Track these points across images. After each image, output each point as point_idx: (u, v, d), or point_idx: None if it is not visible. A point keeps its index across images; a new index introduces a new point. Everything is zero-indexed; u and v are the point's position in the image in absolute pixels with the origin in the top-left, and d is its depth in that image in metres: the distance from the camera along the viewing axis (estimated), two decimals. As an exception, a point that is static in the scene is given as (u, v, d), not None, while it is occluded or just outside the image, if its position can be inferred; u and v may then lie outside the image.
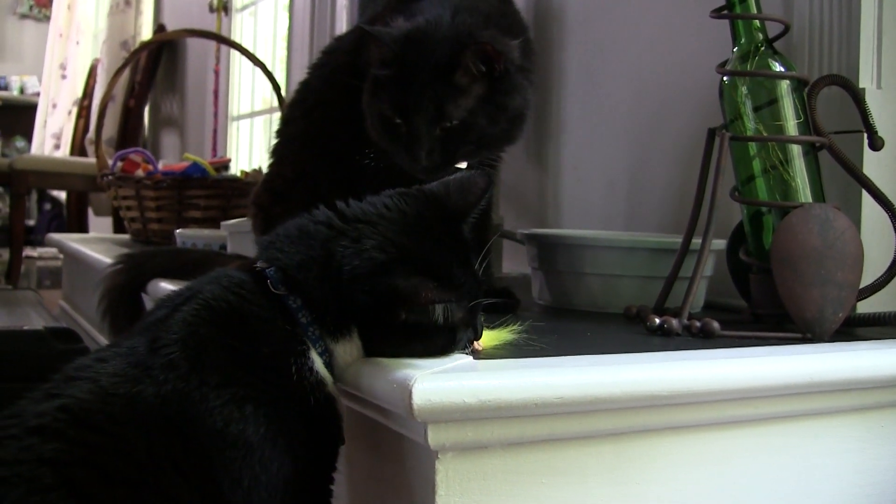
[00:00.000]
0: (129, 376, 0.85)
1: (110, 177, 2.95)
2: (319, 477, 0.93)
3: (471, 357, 0.97)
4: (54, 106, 7.60)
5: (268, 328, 0.91)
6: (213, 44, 4.85)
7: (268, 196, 1.53)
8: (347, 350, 0.94)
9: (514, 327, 1.14)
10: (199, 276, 0.98)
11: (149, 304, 1.71)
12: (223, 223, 2.26)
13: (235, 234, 2.08)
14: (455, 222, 1.01)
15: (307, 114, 1.51)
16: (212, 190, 2.85)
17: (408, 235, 0.95)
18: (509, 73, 1.29)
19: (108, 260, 1.97)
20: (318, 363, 0.92)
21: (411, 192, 1.01)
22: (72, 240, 3.11)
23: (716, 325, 1.23)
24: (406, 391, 0.84)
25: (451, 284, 0.95)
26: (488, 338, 1.05)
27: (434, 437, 0.87)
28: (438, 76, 1.25)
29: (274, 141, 1.59)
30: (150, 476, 0.80)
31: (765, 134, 1.32)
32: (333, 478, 0.95)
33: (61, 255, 3.54)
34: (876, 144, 1.33)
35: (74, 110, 6.97)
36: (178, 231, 2.46)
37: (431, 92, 1.25)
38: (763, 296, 1.33)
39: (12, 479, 0.76)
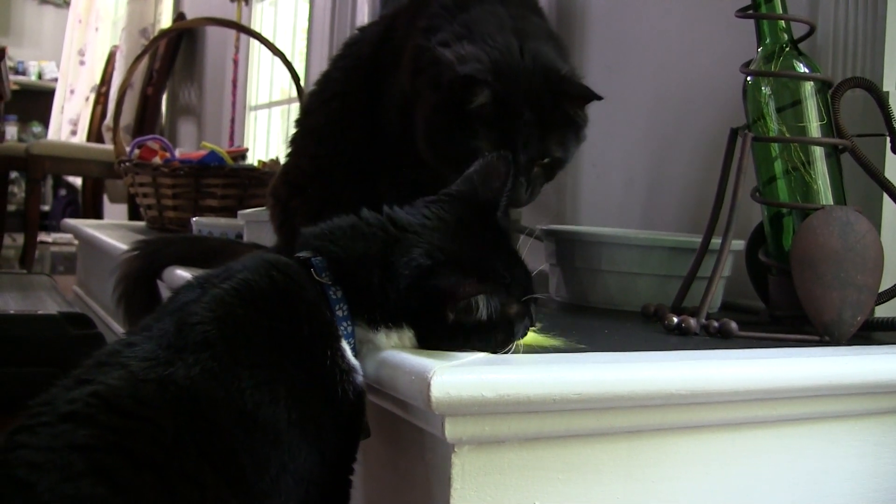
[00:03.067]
0: (160, 359, 0.84)
1: (127, 163, 2.95)
2: (343, 468, 0.93)
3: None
4: (72, 92, 7.63)
5: (308, 313, 0.92)
6: (232, 33, 4.86)
7: (285, 188, 1.53)
8: (385, 341, 0.95)
9: (553, 342, 1.13)
10: (227, 262, 0.97)
11: (164, 291, 1.72)
12: (240, 212, 2.27)
13: (252, 224, 2.08)
14: (489, 214, 1.02)
15: (326, 105, 1.51)
16: (229, 179, 2.85)
17: (449, 240, 0.96)
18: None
19: (123, 246, 1.97)
20: (349, 353, 0.93)
21: (445, 198, 1.02)
22: (87, 226, 3.12)
23: (734, 325, 1.22)
24: (425, 384, 0.84)
25: (494, 278, 0.95)
26: (532, 340, 1.04)
27: (451, 430, 0.87)
28: (539, 119, 1.26)
29: (293, 131, 1.59)
30: (178, 461, 0.80)
31: (787, 135, 1.32)
32: (354, 469, 0.95)
33: (76, 241, 3.55)
34: (898, 148, 1.32)
35: (92, 97, 6.99)
36: (194, 219, 2.47)
37: (535, 132, 1.26)
38: (782, 297, 1.33)
39: (45, 466, 0.76)
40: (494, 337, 0.96)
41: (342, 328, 0.93)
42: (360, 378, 0.93)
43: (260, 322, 0.89)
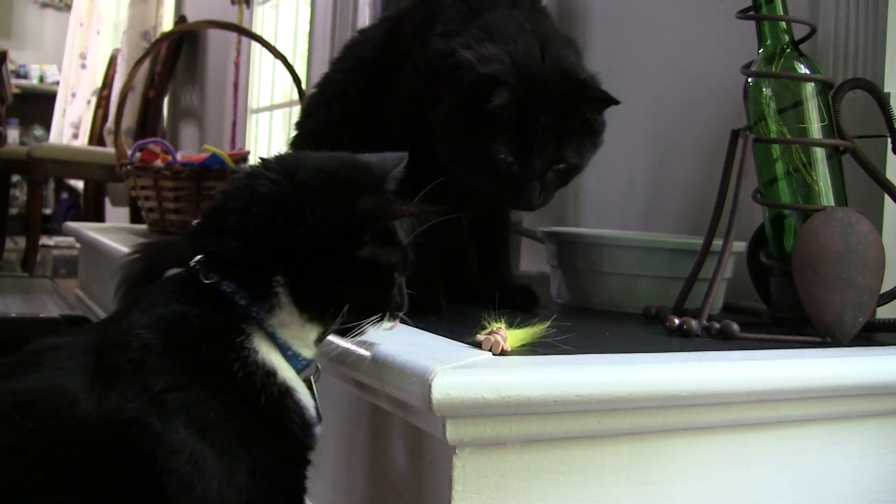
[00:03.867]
0: (76, 374, 0.83)
1: (129, 166, 2.95)
2: (284, 480, 0.89)
3: (489, 353, 0.97)
4: (73, 95, 7.63)
5: (203, 325, 0.87)
6: (233, 36, 4.86)
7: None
8: (285, 321, 0.89)
9: (541, 326, 1.12)
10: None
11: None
12: (241, 215, 2.26)
13: (254, 226, 2.07)
14: (379, 183, 0.99)
15: (326, 107, 1.51)
16: (230, 182, 2.85)
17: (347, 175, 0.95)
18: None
19: (124, 249, 1.97)
20: (263, 352, 0.88)
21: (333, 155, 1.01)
22: (89, 228, 3.11)
23: (735, 326, 1.22)
24: (426, 385, 0.84)
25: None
26: (515, 338, 1.04)
27: (452, 432, 0.87)
28: (557, 123, 1.25)
29: (293, 133, 1.59)
30: (88, 476, 0.79)
31: (788, 136, 1.32)
32: (304, 477, 0.91)
33: (77, 244, 3.55)
34: (900, 149, 1.32)
35: (94, 100, 6.99)
36: (195, 222, 2.46)
37: (553, 137, 1.25)
38: (783, 299, 1.33)
39: None
40: (394, 293, 0.93)
41: (254, 315, 0.88)
42: (281, 379, 0.88)
43: (165, 345, 0.85)
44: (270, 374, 0.87)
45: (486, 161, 1.26)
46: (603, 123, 1.32)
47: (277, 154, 0.97)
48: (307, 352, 0.92)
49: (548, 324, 1.06)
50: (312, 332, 0.91)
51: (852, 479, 1.13)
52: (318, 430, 0.92)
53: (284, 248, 0.88)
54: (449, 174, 1.37)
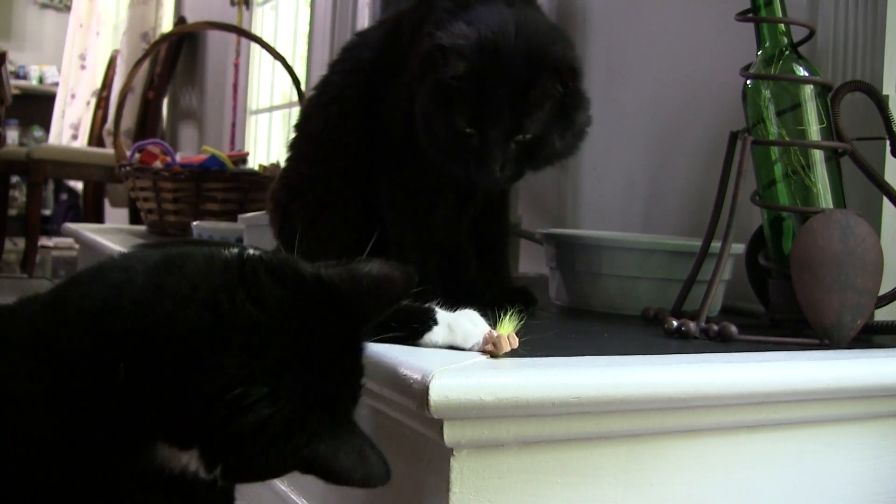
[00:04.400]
0: None
1: (128, 167, 2.95)
2: None
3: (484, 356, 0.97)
4: (73, 96, 7.64)
5: None
6: (233, 37, 4.87)
7: (285, 192, 1.53)
8: None
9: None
10: None
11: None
12: (240, 216, 2.27)
13: (252, 228, 2.08)
14: (355, 328, 0.85)
15: (325, 109, 1.51)
16: (230, 183, 2.85)
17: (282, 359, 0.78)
18: (578, 89, 1.30)
19: (123, 250, 1.97)
20: None
21: (310, 287, 0.82)
22: (88, 230, 3.11)
23: (733, 328, 1.22)
24: (423, 387, 0.84)
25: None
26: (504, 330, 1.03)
27: (450, 434, 0.87)
28: (515, 91, 1.25)
29: (292, 135, 1.59)
30: None
31: (787, 138, 1.31)
32: None
33: (77, 245, 3.55)
34: (898, 151, 1.32)
35: (93, 101, 7.00)
36: (195, 223, 2.47)
37: (509, 106, 1.24)
38: (782, 301, 1.33)
39: None
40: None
41: None
42: None
43: None
44: None
45: (452, 138, 1.26)
46: (578, 98, 1.30)
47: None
48: None
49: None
50: None
51: (851, 481, 1.13)
52: None
53: None
54: (447, 175, 1.38)
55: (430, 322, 1.00)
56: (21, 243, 6.23)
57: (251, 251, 0.83)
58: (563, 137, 1.29)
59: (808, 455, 1.10)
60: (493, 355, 0.97)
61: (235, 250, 0.83)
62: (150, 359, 0.73)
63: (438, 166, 1.33)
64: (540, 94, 1.26)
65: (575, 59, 1.31)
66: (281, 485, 1.29)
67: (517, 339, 0.99)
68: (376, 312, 0.86)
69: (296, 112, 4.28)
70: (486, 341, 0.98)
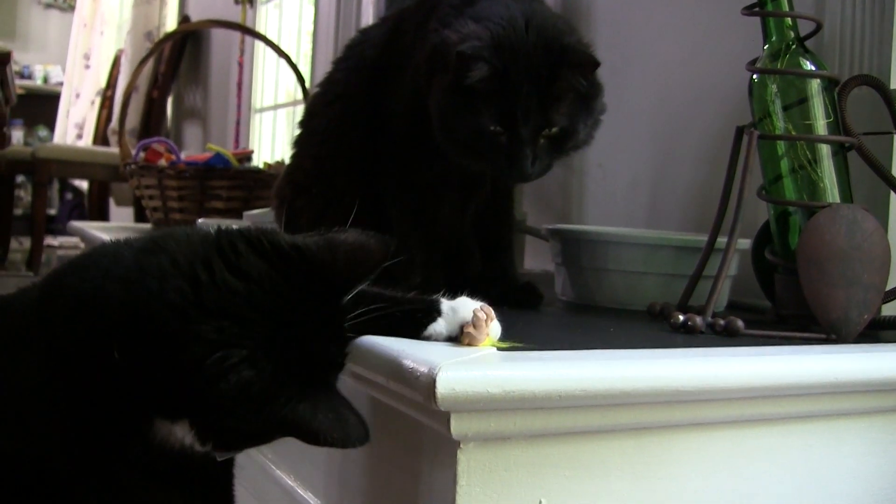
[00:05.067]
0: None
1: (133, 166, 2.96)
2: None
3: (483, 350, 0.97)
4: (77, 95, 7.64)
5: None
6: (237, 35, 4.87)
7: (290, 189, 1.53)
8: None
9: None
10: None
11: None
12: (245, 213, 2.27)
13: (258, 225, 2.08)
14: (333, 295, 0.87)
15: (329, 107, 1.51)
16: (234, 181, 2.86)
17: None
18: (595, 78, 1.31)
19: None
20: None
21: (287, 256, 0.85)
22: (94, 228, 3.12)
23: (740, 323, 1.22)
24: (430, 380, 0.84)
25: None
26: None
27: (457, 426, 0.87)
28: (539, 87, 1.25)
29: (297, 132, 1.59)
30: None
31: (794, 133, 1.31)
32: None
33: (82, 244, 3.55)
34: (905, 146, 1.32)
35: (97, 100, 7.01)
36: (199, 221, 2.47)
37: (536, 102, 1.25)
38: (788, 296, 1.33)
39: None
40: None
41: None
42: None
43: None
44: None
45: (477, 137, 1.27)
46: (597, 87, 1.31)
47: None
48: None
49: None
50: None
51: (856, 475, 1.13)
52: None
53: None
54: (452, 171, 1.38)
55: (434, 313, 1.00)
56: (27, 242, 6.24)
57: (231, 226, 0.86)
58: (586, 126, 1.31)
59: (814, 449, 1.10)
60: (472, 343, 0.97)
61: (215, 226, 0.86)
62: (140, 337, 0.77)
63: (449, 163, 1.33)
64: (564, 87, 1.27)
65: (589, 48, 1.32)
66: (288, 479, 1.30)
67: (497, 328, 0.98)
68: (354, 280, 0.88)
69: (300, 110, 4.28)
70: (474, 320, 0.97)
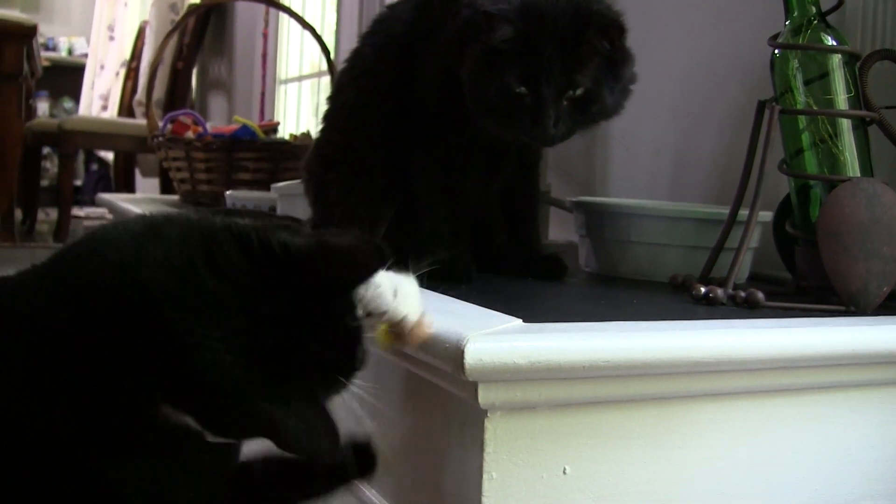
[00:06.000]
0: None
1: (161, 138, 2.99)
2: None
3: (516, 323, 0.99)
4: (102, 67, 7.68)
5: None
6: (261, 7, 4.88)
7: (319, 163, 1.55)
8: None
9: None
10: None
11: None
12: (273, 185, 2.29)
13: (285, 197, 2.11)
14: (321, 300, 0.85)
15: (356, 82, 1.53)
16: (261, 153, 2.88)
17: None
18: (623, 45, 1.33)
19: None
20: None
21: (276, 258, 0.84)
22: (123, 199, 3.16)
23: (760, 295, 1.24)
24: (458, 351, 0.86)
25: None
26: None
27: (484, 396, 0.90)
28: (564, 49, 1.27)
29: (325, 108, 1.61)
30: None
31: (815, 108, 1.33)
32: None
33: (110, 215, 3.59)
34: (926, 120, 1.33)
35: (122, 72, 7.03)
36: (228, 192, 2.50)
37: (559, 63, 1.27)
38: (808, 268, 1.34)
39: None
40: None
41: None
42: None
43: None
44: None
45: (504, 98, 1.29)
46: (625, 54, 1.33)
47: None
48: None
49: None
50: None
51: (874, 445, 1.15)
52: None
53: None
54: (479, 145, 1.40)
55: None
56: (53, 214, 6.29)
57: (234, 221, 0.86)
58: (613, 92, 1.32)
59: (833, 419, 1.12)
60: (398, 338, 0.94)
61: (215, 219, 0.86)
62: (134, 323, 0.79)
63: (477, 137, 1.35)
64: (588, 50, 1.28)
65: (619, 15, 1.33)
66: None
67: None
68: (344, 285, 0.87)
69: (325, 81, 4.30)
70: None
